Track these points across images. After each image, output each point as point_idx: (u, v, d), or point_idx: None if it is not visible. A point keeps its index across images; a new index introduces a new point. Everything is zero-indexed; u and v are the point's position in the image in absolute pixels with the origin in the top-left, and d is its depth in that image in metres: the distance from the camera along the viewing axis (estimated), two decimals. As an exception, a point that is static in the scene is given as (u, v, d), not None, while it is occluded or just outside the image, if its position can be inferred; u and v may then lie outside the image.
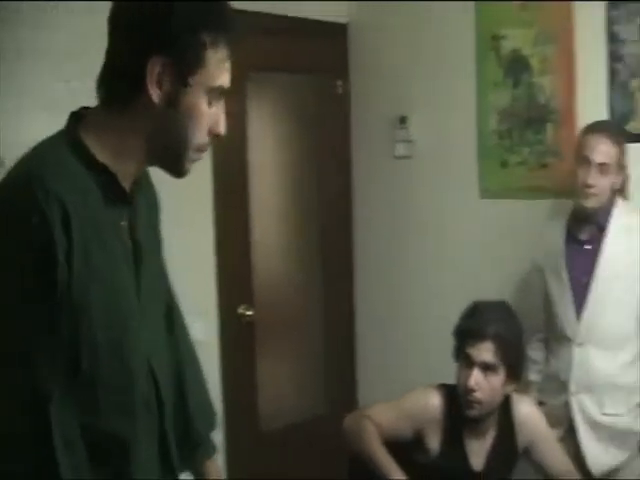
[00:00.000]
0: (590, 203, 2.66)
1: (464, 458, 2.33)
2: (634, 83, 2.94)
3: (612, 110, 3.00)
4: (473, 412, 2.27)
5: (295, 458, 3.62)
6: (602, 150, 2.62)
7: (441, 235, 3.65)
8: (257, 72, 3.44)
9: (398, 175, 3.77)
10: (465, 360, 2.28)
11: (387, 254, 3.87)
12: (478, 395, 2.24)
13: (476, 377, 2.23)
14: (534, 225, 3.18)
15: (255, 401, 3.54)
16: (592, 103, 3.05)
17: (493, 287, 3.10)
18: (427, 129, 3.63)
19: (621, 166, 2.67)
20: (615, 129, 2.80)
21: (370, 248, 3.93)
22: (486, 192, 3.46)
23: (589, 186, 2.63)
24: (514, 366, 2.30)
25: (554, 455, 2.38)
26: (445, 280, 3.62)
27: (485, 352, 2.23)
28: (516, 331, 2.32)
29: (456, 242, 3.58)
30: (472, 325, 2.30)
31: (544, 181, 3.24)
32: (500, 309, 2.36)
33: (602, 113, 3.00)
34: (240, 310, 3.43)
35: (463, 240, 3.55)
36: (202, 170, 3.17)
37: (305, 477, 3.58)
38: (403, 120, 3.66)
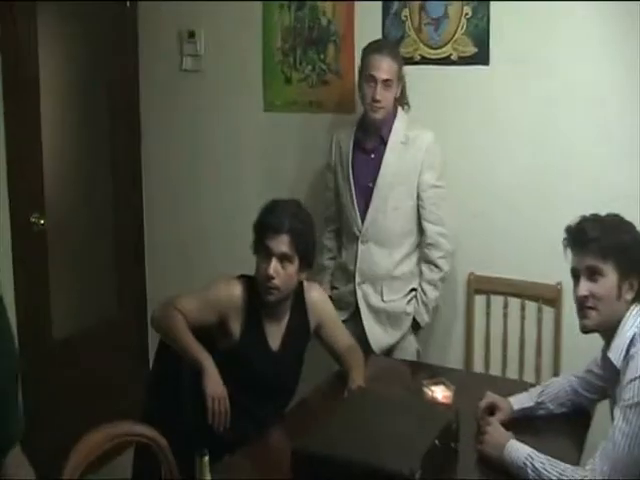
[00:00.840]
0: (378, 115, 3.00)
1: (263, 340, 2.56)
2: (404, 13, 3.32)
3: (385, 36, 3.36)
4: (271, 298, 2.49)
5: (88, 362, 3.76)
6: (385, 68, 2.95)
7: (227, 145, 3.87)
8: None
9: (186, 88, 3.91)
10: (264, 252, 2.47)
11: (175, 163, 4.03)
12: (276, 282, 2.45)
13: (275, 266, 2.44)
14: (315, 135, 3.56)
15: (48, 308, 3.59)
16: (369, 29, 3.39)
17: (284, 190, 3.43)
18: (215, 44, 3.79)
19: (400, 78, 3.03)
20: (393, 46, 3.17)
21: (158, 158, 4.06)
22: (270, 106, 3.72)
23: (377, 101, 2.97)
24: (306, 256, 2.53)
25: (339, 332, 2.73)
26: (233, 188, 3.87)
27: (282, 244, 2.45)
28: (308, 225, 2.54)
29: (242, 152, 3.83)
30: (271, 220, 2.49)
31: (324, 97, 3.57)
32: (294, 206, 2.57)
33: (377, 37, 3.34)
34: (32, 219, 3.44)
35: (248, 150, 3.82)
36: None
37: (99, 377, 3.75)
38: (191, 34, 3.79)
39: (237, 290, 2.55)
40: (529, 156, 3.23)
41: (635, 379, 1.89)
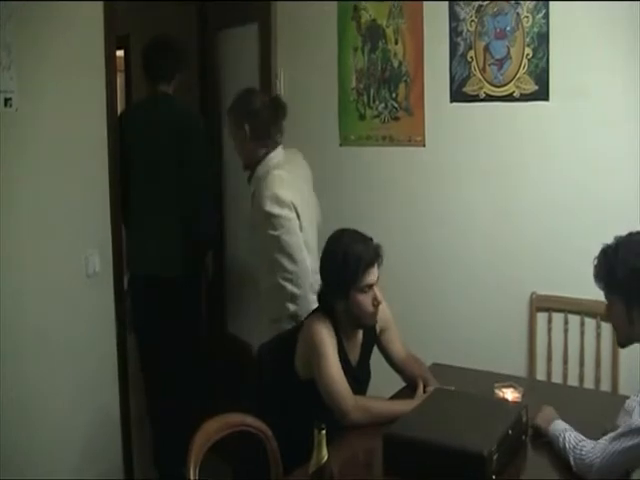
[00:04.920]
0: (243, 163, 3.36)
1: (346, 359, 2.69)
2: (470, 54, 3.63)
3: (452, 76, 3.67)
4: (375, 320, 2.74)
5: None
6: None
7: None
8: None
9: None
10: (365, 285, 2.62)
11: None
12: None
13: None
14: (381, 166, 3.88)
15: None
16: (436, 69, 3.71)
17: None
18: (295, 85, 4.15)
19: (240, 127, 3.27)
20: (231, 106, 3.37)
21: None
22: (345, 140, 4.08)
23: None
24: None
25: (397, 338, 2.90)
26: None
27: (377, 271, 2.67)
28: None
29: (319, 183, 4.15)
30: (367, 254, 2.64)
31: (395, 132, 3.90)
32: (360, 234, 2.71)
33: (445, 78, 3.69)
34: None
35: (325, 181, 4.13)
36: None
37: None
38: (275, 76, 4.17)
39: (328, 328, 2.67)
40: (581, 177, 3.45)
41: None
